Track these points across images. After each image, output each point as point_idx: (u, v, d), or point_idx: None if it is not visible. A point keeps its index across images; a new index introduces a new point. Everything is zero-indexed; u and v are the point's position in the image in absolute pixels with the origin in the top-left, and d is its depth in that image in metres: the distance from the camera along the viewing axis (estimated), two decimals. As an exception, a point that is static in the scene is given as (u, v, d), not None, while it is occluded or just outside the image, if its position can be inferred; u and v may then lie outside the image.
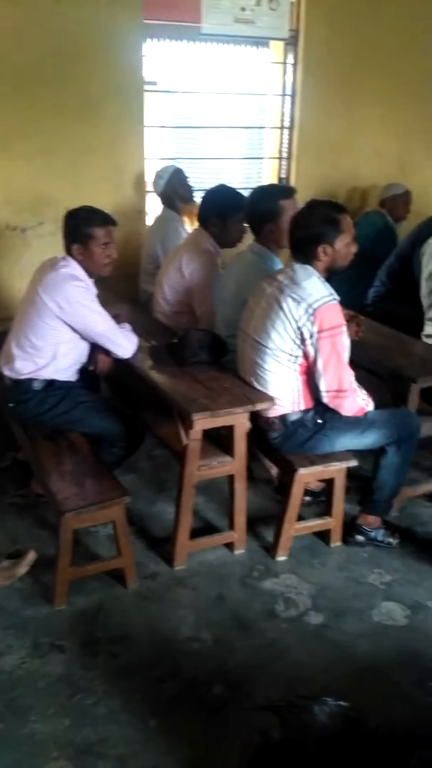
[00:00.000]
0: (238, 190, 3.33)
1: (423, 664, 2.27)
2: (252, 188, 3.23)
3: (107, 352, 2.87)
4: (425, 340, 3.39)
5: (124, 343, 2.85)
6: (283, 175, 5.07)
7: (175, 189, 4.11)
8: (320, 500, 3.02)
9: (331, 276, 2.65)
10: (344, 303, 2.73)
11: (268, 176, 5.14)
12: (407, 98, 5.06)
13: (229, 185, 3.40)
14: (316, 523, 2.87)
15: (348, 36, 4.72)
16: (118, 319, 2.91)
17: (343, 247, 2.53)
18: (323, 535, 2.89)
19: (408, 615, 2.50)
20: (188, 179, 4.21)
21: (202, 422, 2.49)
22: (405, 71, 4.97)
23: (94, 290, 2.83)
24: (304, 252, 2.55)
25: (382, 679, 2.21)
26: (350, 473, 2.79)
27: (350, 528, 2.87)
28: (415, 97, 5.08)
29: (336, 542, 2.87)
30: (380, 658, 2.30)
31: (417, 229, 4.12)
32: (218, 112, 4.99)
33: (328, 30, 4.67)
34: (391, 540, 2.86)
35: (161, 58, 4.62)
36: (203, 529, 2.91)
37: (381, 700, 2.11)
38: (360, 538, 2.85)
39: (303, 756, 0.83)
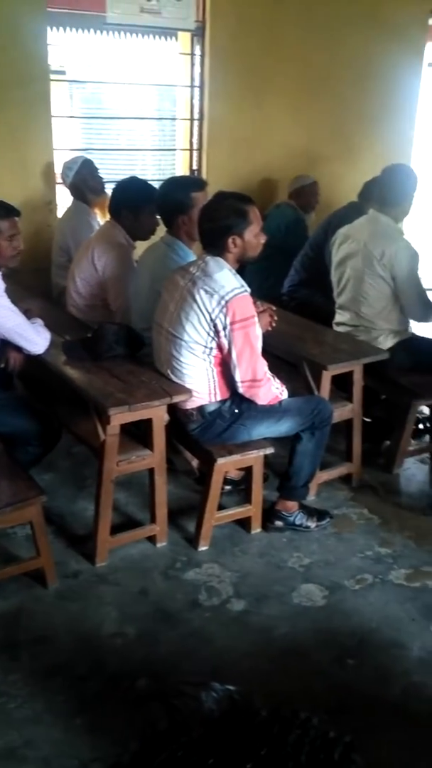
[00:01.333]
0: (150, 182, 3.31)
1: (340, 641, 2.36)
2: (165, 180, 3.22)
3: (19, 349, 2.79)
4: (336, 327, 3.49)
5: (35, 338, 2.78)
6: (194, 167, 5.07)
7: (85, 180, 4.04)
8: (240, 489, 3.07)
9: (244, 267, 2.68)
10: (257, 294, 2.77)
11: (181, 168, 5.13)
12: (313, 90, 5.15)
13: (141, 177, 3.37)
14: (236, 512, 2.91)
15: (254, 28, 4.76)
16: (29, 314, 2.85)
17: (252, 237, 2.56)
18: (244, 523, 2.93)
19: (326, 595, 2.58)
20: (99, 171, 4.15)
21: (119, 417, 2.47)
22: (311, 63, 5.06)
23: (2, 285, 2.74)
24: (214, 244, 2.56)
25: (302, 659, 2.28)
26: (268, 460, 2.84)
27: (269, 514, 2.92)
28: (321, 89, 5.18)
29: (256, 529, 2.92)
30: (300, 639, 2.36)
31: (329, 219, 4.23)
32: (129, 103, 4.95)
33: (234, 21, 4.69)
34: (309, 524, 2.93)
35: (70, 48, 4.53)
36: (125, 524, 2.90)
37: (301, 679, 2.17)
38: (279, 523, 2.92)
39: (186, 741, 0.85)
